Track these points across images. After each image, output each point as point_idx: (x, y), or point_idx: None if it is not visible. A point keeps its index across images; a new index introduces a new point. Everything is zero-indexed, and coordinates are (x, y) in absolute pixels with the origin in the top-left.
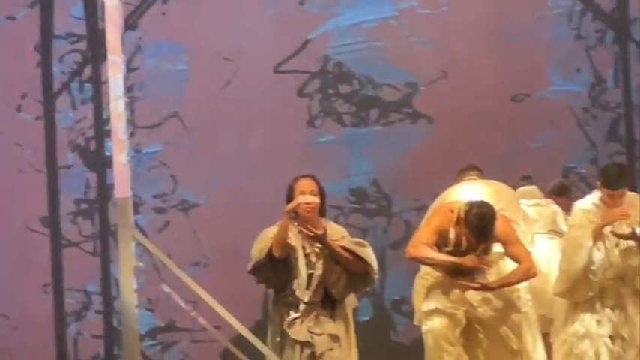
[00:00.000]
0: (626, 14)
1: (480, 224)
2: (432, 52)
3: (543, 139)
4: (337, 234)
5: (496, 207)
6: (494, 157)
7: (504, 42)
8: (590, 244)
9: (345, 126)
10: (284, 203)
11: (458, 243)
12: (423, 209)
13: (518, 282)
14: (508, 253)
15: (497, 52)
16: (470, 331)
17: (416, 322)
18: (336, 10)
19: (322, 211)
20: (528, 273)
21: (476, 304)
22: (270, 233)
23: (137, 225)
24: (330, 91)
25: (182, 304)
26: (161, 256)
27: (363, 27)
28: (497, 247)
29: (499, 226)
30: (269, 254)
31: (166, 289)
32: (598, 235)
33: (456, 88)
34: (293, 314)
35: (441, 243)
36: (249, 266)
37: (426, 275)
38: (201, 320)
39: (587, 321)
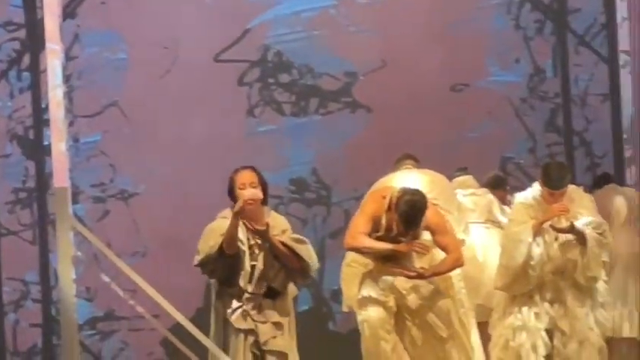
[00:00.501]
0: (564, 5)
1: (409, 211)
2: (372, 42)
3: (482, 129)
4: (279, 226)
5: (429, 196)
6: (434, 147)
7: (444, 32)
8: (530, 239)
9: (284, 115)
10: (223, 192)
11: (389, 228)
12: (362, 199)
13: (448, 271)
14: (437, 243)
15: (437, 42)
16: (399, 319)
17: (345, 309)
18: None
19: (264, 201)
20: (457, 263)
21: (404, 292)
22: (217, 229)
23: (76, 214)
24: (270, 80)
25: (121, 293)
26: (100, 245)
27: (302, 16)
28: (426, 235)
29: (430, 216)
30: (220, 250)
31: (105, 278)
32: (538, 231)
33: (395, 78)
34: (236, 304)
35: (373, 229)
36: (197, 260)
37: (353, 263)
38: (140, 309)
39: (525, 314)
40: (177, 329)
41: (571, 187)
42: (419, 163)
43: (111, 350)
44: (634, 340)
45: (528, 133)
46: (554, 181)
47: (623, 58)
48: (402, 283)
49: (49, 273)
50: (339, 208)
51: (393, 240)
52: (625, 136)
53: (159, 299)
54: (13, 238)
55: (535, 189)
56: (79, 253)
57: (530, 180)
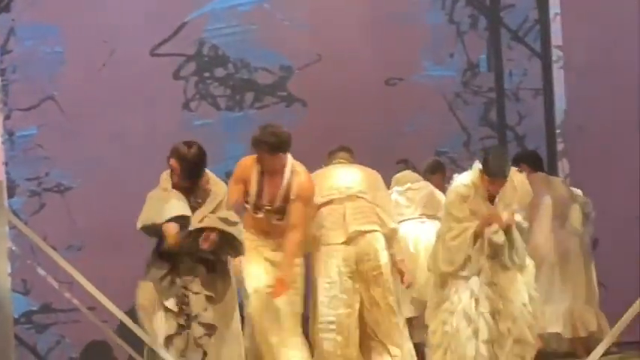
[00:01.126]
0: (498, 0)
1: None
2: (307, 36)
3: (416, 123)
4: (220, 193)
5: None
6: (369, 141)
7: (379, 26)
8: (470, 249)
9: (220, 109)
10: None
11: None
12: None
13: (295, 252)
14: (290, 209)
15: (372, 35)
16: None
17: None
18: None
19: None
20: (298, 244)
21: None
22: (157, 200)
23: (11, 208)
24: (206, 74)
25: (56, 286)
26: (36, 238)
27: (238, 10)
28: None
29: (303, 181)
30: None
31: (41, 271)
32: (478, 235)
33: (330, 72)
34: (167, 270)
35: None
36: (139, 225)
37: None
38: (76, 302)
39: (465, 301)
40: (113, 322)
41: (519, 177)
42: (353, 155)
43: (47, 343)
44: (559, 335)
45: (462, 127)
46: (494, 170)
47: (555, 54)
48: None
49: None
50: None
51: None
52: (557, 130)
53: (95, 292)
54: None
55: (475, 173)
56: (14, 247)
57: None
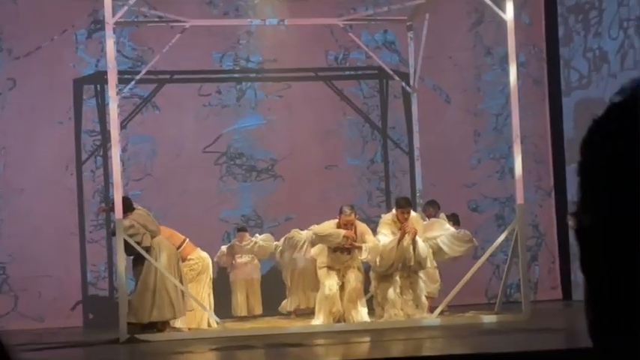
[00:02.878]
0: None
1: None
2: (284, 142)
3: (343, 193)
4: None
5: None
6: (320, 201)
7: (320, 135)
8: (395, 251)
9: (238, 181)
10: None
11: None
12: None
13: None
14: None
15: (317, 139)
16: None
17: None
18: None
19: None
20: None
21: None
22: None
23: None
24: (231, 162)
25: None
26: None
27: (248, 129)
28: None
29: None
30: None
31: None
32: (398, 243)
33: (296, 160)
34: None
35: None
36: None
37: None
38: None
39: (392, 293)
40: None
41: (413, 214)
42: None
43: None
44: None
45: (367, 194)
46: (401, 205)
47: None
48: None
49: None
50: None
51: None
52: None
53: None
54: None
55: (392, 213)
56: None
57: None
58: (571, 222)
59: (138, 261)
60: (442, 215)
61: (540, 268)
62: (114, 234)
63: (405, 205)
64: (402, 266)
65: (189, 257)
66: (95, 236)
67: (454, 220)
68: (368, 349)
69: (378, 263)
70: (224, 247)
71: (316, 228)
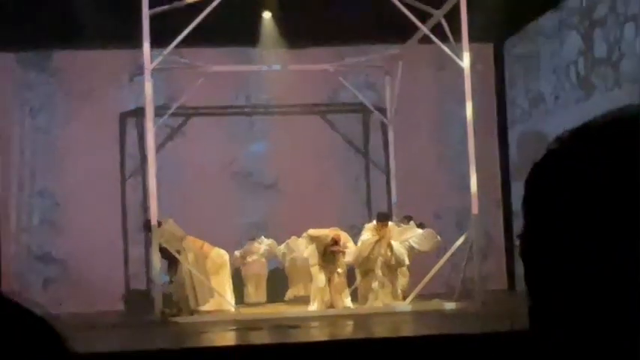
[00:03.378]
0: None
1: None
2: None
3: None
4: None
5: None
6: (311, 214)
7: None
8: (372, 243)
9: None
10: None
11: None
12: None
13: None
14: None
15: (311, 167)
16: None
17: None
18: None
19: None
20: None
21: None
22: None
23: None
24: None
25: None
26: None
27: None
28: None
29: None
30: None
31: None
32: (376, 243)
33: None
34: None
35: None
36: None
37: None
38: None
39: (375, 286)
40: None
41: (391, 224)
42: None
43: None
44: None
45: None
46: (380, 219)
47: None
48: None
49: None
50: None
51: None
52: None
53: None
54: None
55: (373, 222)
56: None
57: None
58: (517, 240)
59: (172, 262)
60: (412, 223)
61: (490, 265)
62: (149, 230)
63: (383, 219)
64: (384, 264)
65: (210, 255)
66: (136, 239)
67: (422, 227)
68: (352, 330)
69: (358, 258)
70: (237, 252)
71: (311, 231)
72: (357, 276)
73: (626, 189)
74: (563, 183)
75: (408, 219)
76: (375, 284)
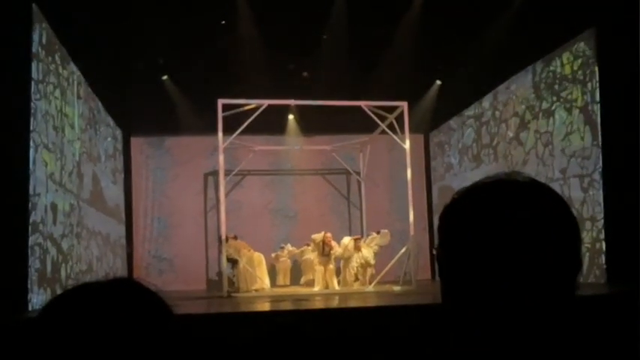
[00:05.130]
0: None
1: None
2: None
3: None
4: None
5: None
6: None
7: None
8: (352, 244)
9: None
10: None
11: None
12: None
13: None
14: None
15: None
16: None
17: None
18: None
19: None
20: None
21: None
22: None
23: None
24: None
25: None
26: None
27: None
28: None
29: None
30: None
31: None
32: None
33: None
34: None
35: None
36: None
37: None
38: None
39: (352, 276)
40: None
41: (371, 236)
42: None
43: None
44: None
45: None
46: (355, 238)
47: None
48: None
49: None
50: None
51: None
52: None
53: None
54: None
55: (349, 237)
56: None
57: None
58: (435, 251)
59: (233, 261)
60: (374, 234)
61: (420, 264)
62: (221, 242)
63: (357, 239)
64: (359, 264)
65: (254, 256)
66: (213, 247)
67: (378, 232)
68: (339, 302)
69: (343, 252)
70: (273, 254)
71: (313, 235)
72: (341, 269)
73: (492, 223)
74: (461, 218)
75: (375, 232)
76: (352, 275)
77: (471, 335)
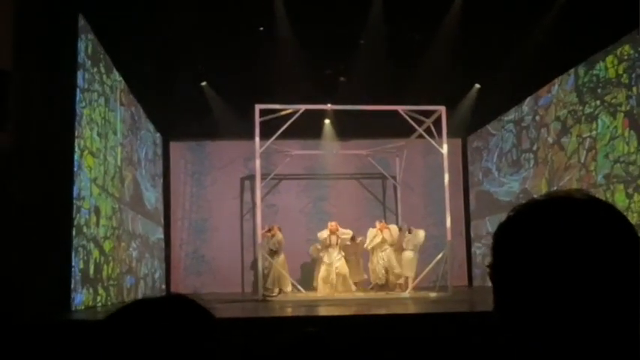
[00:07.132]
0: None
1: None
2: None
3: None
4: None
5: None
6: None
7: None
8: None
9: None
10: None
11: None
12: None
13: None
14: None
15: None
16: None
17: None
18: None
19: None
20: None
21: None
22: None
23: None
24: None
25: None
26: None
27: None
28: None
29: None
30: None
31: None
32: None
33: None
34: None
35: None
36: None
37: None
38: None
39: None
40: None
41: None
42: None
43: None
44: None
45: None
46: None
47: None
48: None
49: None
50: None
51: None
52: None
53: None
54: None
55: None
56: None
57: None
58: (487, 268)
59: (274, 255)
60: (408, 234)
61: (456, 270)
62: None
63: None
64: (385, 267)
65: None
66: (248, 250)
67: (410, 231)
68: (378, 309)
69: (370, 242)
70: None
71: (319, 234)
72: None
73: (551, 241)
74: (517, 237)
75: (407, 231)
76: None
77: (528, 349)
